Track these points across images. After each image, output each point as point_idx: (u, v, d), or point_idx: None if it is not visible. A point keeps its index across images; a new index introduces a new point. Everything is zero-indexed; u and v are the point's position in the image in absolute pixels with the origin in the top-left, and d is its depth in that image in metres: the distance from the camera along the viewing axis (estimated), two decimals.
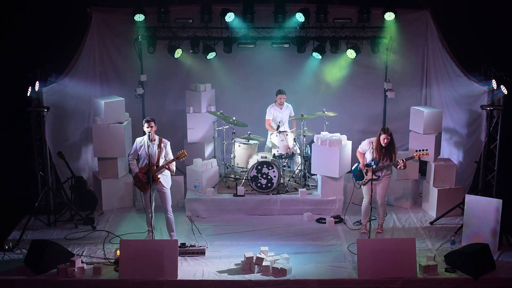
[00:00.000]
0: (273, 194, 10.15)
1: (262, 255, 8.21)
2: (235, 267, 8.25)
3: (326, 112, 10.60)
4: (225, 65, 11.58)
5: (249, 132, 10.59)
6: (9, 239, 9.00)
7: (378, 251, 8.01)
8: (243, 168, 10.55)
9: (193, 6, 11.05)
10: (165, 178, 8.72)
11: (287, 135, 10.32)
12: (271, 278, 7.99)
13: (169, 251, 7.94)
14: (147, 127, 8.53)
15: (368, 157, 9.02)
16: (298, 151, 10.59)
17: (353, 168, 9.22)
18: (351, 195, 9.69)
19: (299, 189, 10.23)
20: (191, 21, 10.98)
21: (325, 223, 9.78)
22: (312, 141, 10.53)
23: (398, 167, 8.84)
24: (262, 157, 10.16)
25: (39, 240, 8.46)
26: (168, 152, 8.71)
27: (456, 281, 8.02)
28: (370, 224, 8.80)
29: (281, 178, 10.26)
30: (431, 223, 9.78)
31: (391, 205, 10.30)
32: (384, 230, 9.38)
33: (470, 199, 8.86)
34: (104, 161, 10.31)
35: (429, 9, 11.12)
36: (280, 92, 10.72)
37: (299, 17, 10.82)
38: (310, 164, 10.59)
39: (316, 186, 10.48)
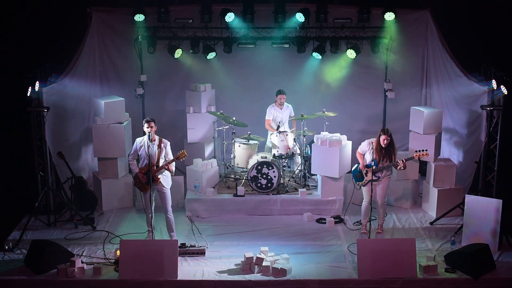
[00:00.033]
0: (273, 194, 10.14)
1: (262, 255, 8.20)
2: (235, 267, 8.25)
3: (326, 112, 10.59)
4: (225, 65, 11.57)
5: (249, 132, 10.58)
6: (9, 239, 9.00)
7: (378, 251, 8.00)
8: (243, 168, 10.54)
9: (193, 6, 11.05)
10: (165, 178, 8.72)
11: (287, 135, 10.31)
12: (271, 278, 7.98)
13: (169, 251, 7.94)
14: (147, 127, 8.52)
15: (368, 158, 9.01)
16: (298, 151, 10.58)
17: (353, 169, 9.21)
18: (351, 195, 9.69)
19: (299, 189, 10.22)
20: (191, 21, 10.98)
21: (325, 223, 9.77)
22: (312, 141, 10.52)
23: (398, 167, 8.83)
24: (262, 157, 10.15)
25: (39, 240, 8.46)
26: (168, 152, 8.71)
27: (456, 281, 8.01)
28: (370, 224, 8.80)
29: (281, 178, 10.25)
30: (431, 223, 9.77)
31: (391, 205, 10.29)
32: (384, 230, 9.37)
33: (470, 199, 8.85)
34: (104, 161, 10.30)
35: (429, 9, 11.11)
36: (280, 92, 10.72)
37: (299, 17, 10.81)
38: (310, 164, 10.58)
39: (316, 186, 10.48)
